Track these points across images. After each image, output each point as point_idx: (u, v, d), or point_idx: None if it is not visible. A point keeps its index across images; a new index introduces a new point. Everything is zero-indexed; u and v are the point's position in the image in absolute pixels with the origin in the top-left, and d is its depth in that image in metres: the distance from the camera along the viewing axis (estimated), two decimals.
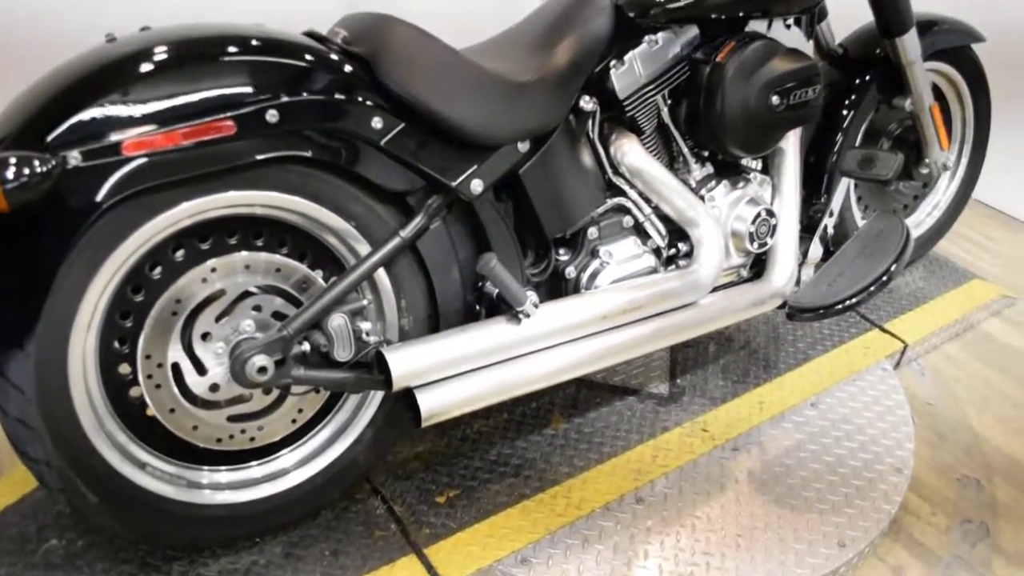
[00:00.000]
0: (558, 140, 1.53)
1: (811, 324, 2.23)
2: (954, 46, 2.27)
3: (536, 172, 1.51)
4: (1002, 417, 2.12)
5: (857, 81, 2.19)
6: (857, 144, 2.25)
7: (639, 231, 1.72)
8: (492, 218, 1.50)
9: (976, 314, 2.47)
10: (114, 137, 1.15)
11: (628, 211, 1.70)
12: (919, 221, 2.52)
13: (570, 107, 1.52)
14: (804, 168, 2.15)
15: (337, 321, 1.42)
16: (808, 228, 1.96)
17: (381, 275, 1.47)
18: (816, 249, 1.95)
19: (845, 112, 2.16)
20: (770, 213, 1.79)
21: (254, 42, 1.28)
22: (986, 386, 2.23)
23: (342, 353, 1.43)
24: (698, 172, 1.77)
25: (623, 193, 1.68)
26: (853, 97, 2.17)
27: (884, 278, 1.78)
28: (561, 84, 1.48)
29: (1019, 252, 2.94)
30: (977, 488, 1.92)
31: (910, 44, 2.06)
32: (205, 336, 1.38)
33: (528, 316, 1.48)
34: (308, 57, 1.30)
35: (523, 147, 1.47)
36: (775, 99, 1.66)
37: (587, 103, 1.55)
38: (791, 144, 1.87)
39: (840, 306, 1.76)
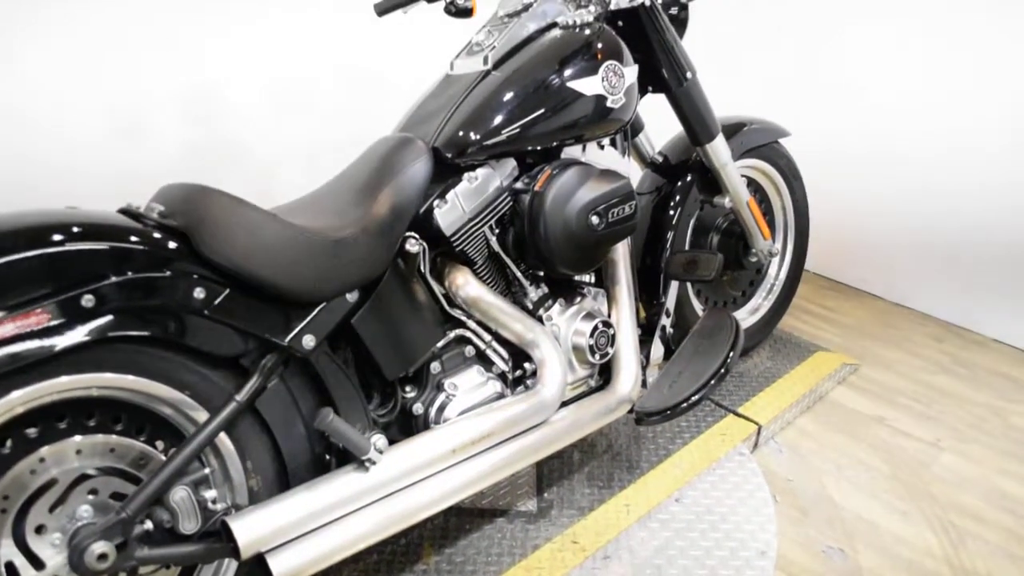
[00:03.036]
0: (388, 285, 1.57)
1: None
2: (762, 144, 2.46)
3: (369, 319, 1.54)
4: (857, 483, 2.23)
5: (679, 184, 2.34)
6: (688, 241, 2.39)
7: (482, 359, 1.76)
8: (330, 369, 1.52)
9: (823, 385, 2.61)
10: None
11: (469, 341, 1.74)
12: (756, 306, 2.68)
13: (395, 252, 1.57)
14: (640, 272, 2.27)
15: (179, 494, 1.39)
16: (649, 330, 2.05)
17: (223, 439, 1.46)
18: (658, 349, 2.04)
19: (671, 215, 2.30)
20: (607, 324, 1.87)
21: (65, 228, 1.27)
22: (839, 454, 2.34)
23: (188, 526, 1.40)
24: (534, 294, 1.84)
25: (462, 324, 1.73)
26: (676, 199, 2.31)
27: (721, 371, 1.88)
28: (383, 232, 1.53)
29: (855, 319, 3.15)
30: (842, 557, 1.99)
31: (719, 149, 2.22)
32: (39, 529, 1.33)
33: (374, 463, 1.49)
34: (121, 237, 1.31)
35: (352, 297, 1.51)
36: (594, 219, 1.76)
37: (413, 245, 1.61)
38: (620, 255, 1.97)
39: (684, 405, 1.84)
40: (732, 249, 2.49)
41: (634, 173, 2.39)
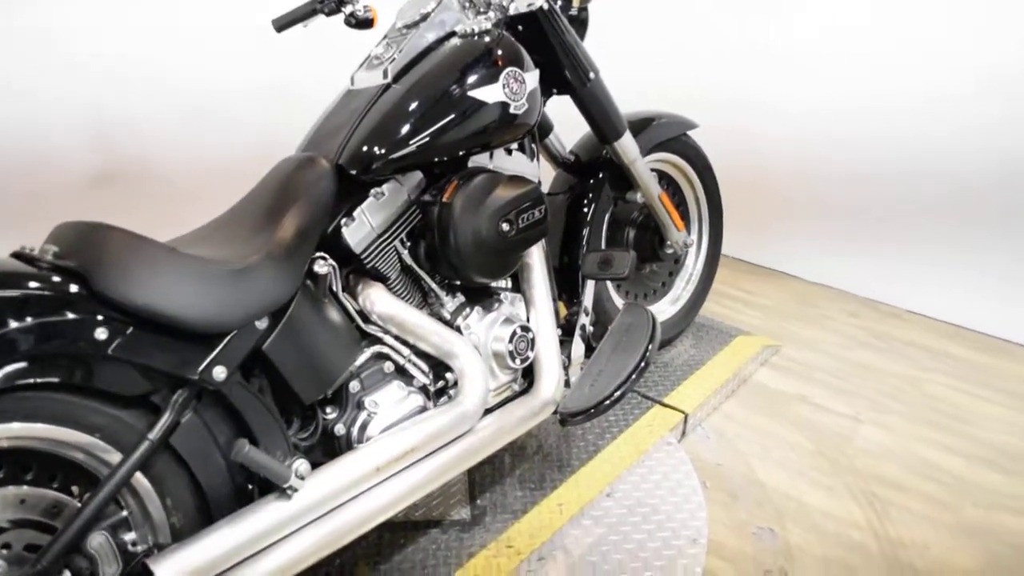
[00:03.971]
0: (298, 309, 1.55)
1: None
2: (671, 137, 2.50)
3: (280, 345, 1.52)
4: (783, 462, 2.29)
5: (591, 182, 2.37)
6: (604, 238, 2.42)
7: (402, 373, 1.76)
8: (245, 398, 1.50)
9: (746, 368, 2.67)
10: None
11: (387, 357, 1.73)
12: (676, 296, 2.72)
13: (303, 275, 1.55)
14: (558, 272, 2.29)
15: (97, 540, 1.36)
16: (570, 330, 2.07)
17: (140, 479, 1.43)
18: (579, 348, 2.06)
19: (585, 213, 2.32)
20: (525, 328, 1.88)
21: None
22: (765, 435, 2.40)
23: (108, 571, 1.37)
24: (451, 304, 1.84)
25: (379, 341, 1.72)
26: (590, 196, 2.34)
27: (641, 365, 1.91)
28: (289, 256, 1.51)
29: (774, 300, 3.23)
30: (772, 537, 2.05)
31: (627, 146, 2.25)
32: None
33: (296, 490, 1.47)
34: (16, 284, 1.27)
35: (261, 324, 1.49)
36: (504, 226, 1.76)
37: (322, 266, 1.59)
38: (535, 258, 1.98)
39: (606, 402, 1.87)
40: (648, 242, 2.53)
41: (546, 174, 2.42)
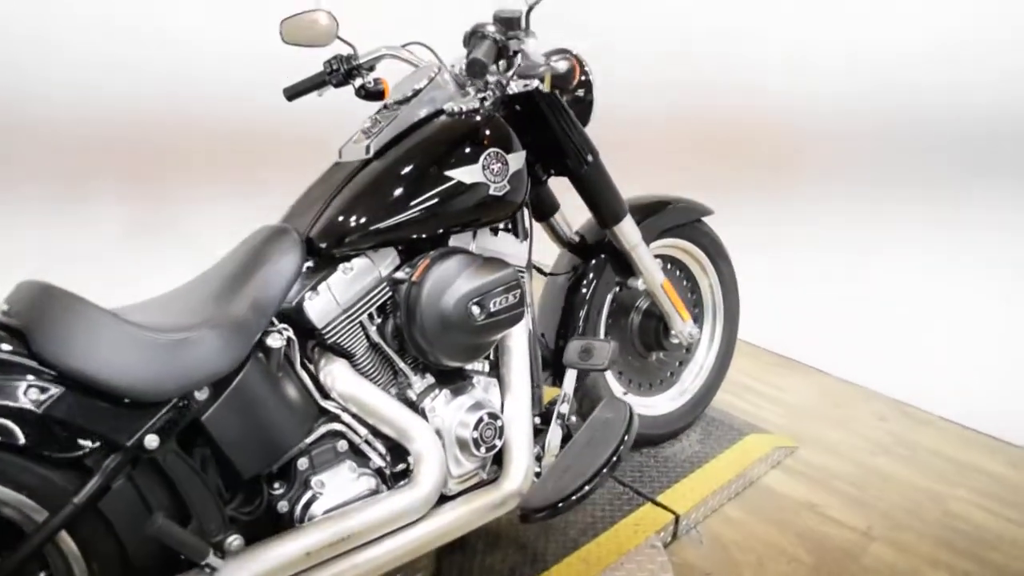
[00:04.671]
0: (245, 381, 1.53)
1: (584, 507, 2.23)
2: (682, 223, 2.43)
3: (220, 417, 1.50)
4: None
5: (593, 263, 2.31)
6: (603, 323, 2.35)
7: (357, 454, 1.71)
8: (180, 468, 1.47)
9: (754, 469, 2.53)
10: None
11: (343, 435, 1.69)
12: (684, 388, 2.61)
13: (250, 347, 1.53)
14: (553, 354, 2.23)
15: None
16: (548, 418, 2.00)
17: (67, 541, 1.41)
18: (556, 438, 1.98)
19: (584, 294, 2.26)
20: (493, 416, 1.81)
21: None
22: (763, 545, 2.26)
23: None
24: (418, 384, 1.79)
25: (336, 418, 1.68)
26: (590, 278, 2.28)
27: (610, 464, 1.82)
28: (237, 329, 1.49)
29: (801, 397, 3.08)
30: None
31: (627, 230, 2.20)
32: None
33: (215, 569, 1.43)
34: None
35: (201, 395, 1.47)
36: (475, 309, 1.72)
37: (276, 339, 1.57)
38: (516, 341, 1.93)
39: (569, 500, 1.78)
40: (653, 331, 2.45)
41: (547, 254, 2.38)
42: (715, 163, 3.41)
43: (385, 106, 1.91)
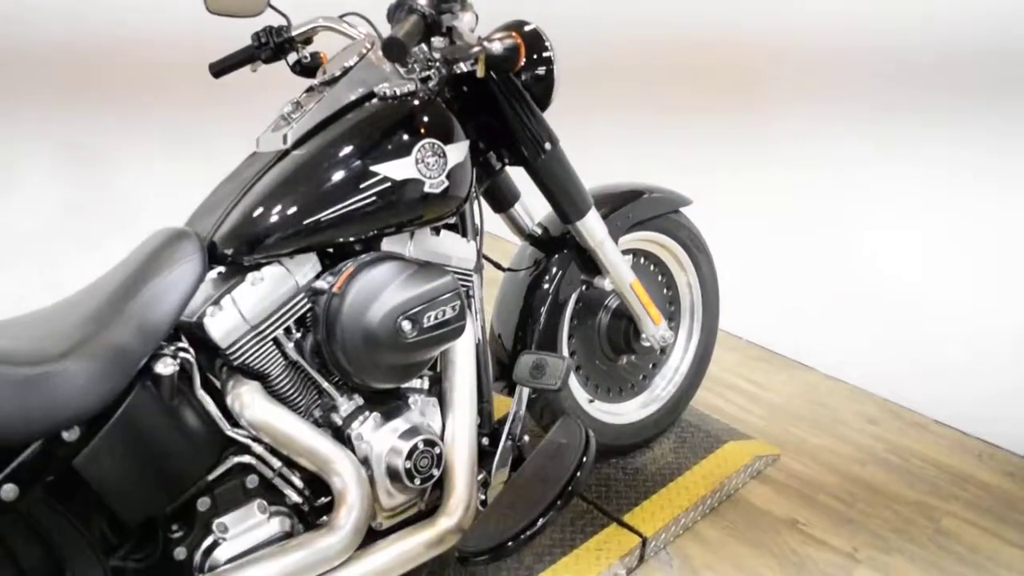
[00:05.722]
0: (127, 415, 1.31)
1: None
2: (657, 215, 2.20)
3: (97, 459, 1.28)
4: None
5: (556, 257, 2.09)
6: (566, 324, 2.13)
7: (269, 490, 1.50)
8: (49, 519, 1.26)
9: (731, 481, 2.33)
10: None
11: (253, 469, 1.48)
12: (655, 395, 2.40)
13: (131, 376, 1.30)
14: (511, 358, 2.01)
15: None
16: (496, 437, 1.79)
17: None
18: (505, 460, 1.77)
19: (546, 291, 2.04)
20: (430, 443, 1.60)
21: None
22: (739, 568, 2.06)
23: None
24: (344, 407, 1.58)
25: (246, 449, 1.47)
26: (552, 275, 2.06)
27: (562, 497, 1.60)
28: (113, 356, 1.27)
29: (784, 396, 2.87)
30: None
31: (592, 226, 1.97)
32: None
33: None
34: None
35: (70, 435, 1.25)
36: (405, 325, 1.50)
37: (166, 364, 1.34)
38: (460, 354, 1.71)
39: (515, 541, 1.57)
40: (623, 332, 2.23)
41: (511, 247, 2.16)
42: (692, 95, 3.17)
43: (311, 88, 1.67)
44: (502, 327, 2.12)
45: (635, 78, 3.34)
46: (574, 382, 2.19)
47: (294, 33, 1.81)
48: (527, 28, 1.80)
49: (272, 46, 1.81)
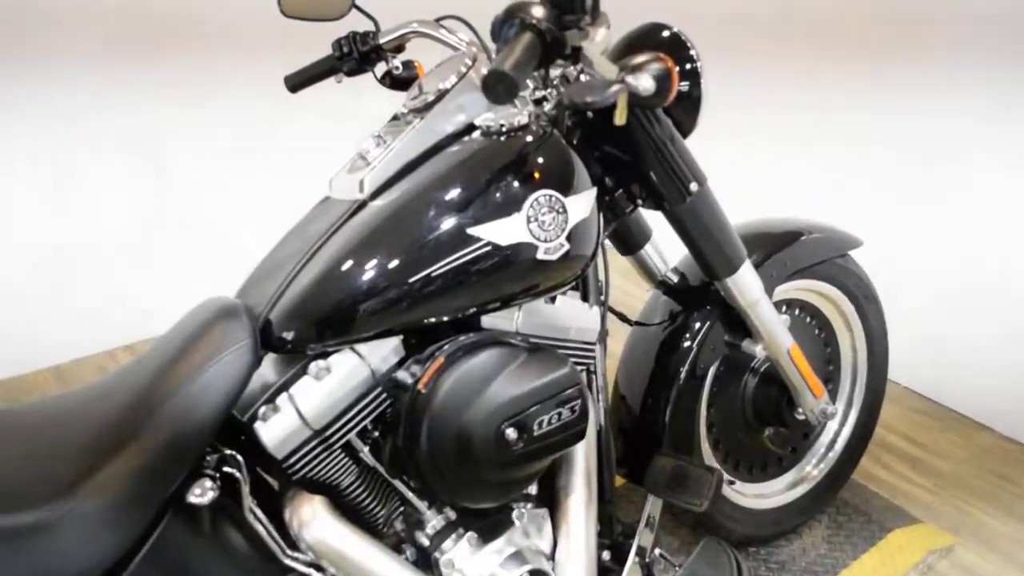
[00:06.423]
0: (156, 554, 1.02)
1: None
2: (820, 260, 1.79)
3: None
4: None
5: (696, 315, 1.71)
6: (706, 392, 1.75)
7: None
8: None
9: None
10: None
11: None
12: (804, 475, 1.99)
13: (149, 519, 1.00)
14: (637, 428, 1.66)
15: None
16: (621, 554, 1.43)
17: None
18: None
19: (681, 356, 1.67)
20: (539, 573, 1.26)
21: None
22: None
23: None
24: (433, 521, 1.25)
25: None
26: (695, 331, 1.68)
27: None
28: (138, 484, 0.98)
29: (955, 463, 2.40)
30: None
31: (745, 283, 1.58)
32: None
33: None
34: None
35: None
36: (511, 433, 1.16)
37: (201, 493, 1.04)
38: (579, 450, 1.36)
39: None
40: (773, 400, 1.82)
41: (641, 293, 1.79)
42: None
43: (396, 116, 1.34)
44: (628, 390, 1.76)
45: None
46: (706, 449, 1.81)
47: (382, 40, 1.49)
48: (667, 35, 1.42)
49: (356, 56, 1.50)
